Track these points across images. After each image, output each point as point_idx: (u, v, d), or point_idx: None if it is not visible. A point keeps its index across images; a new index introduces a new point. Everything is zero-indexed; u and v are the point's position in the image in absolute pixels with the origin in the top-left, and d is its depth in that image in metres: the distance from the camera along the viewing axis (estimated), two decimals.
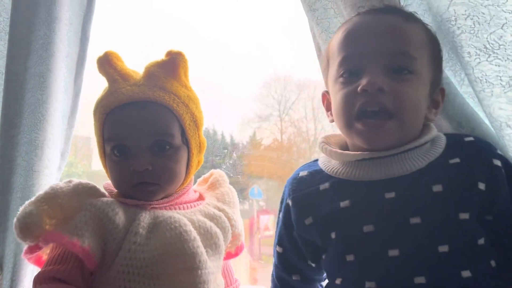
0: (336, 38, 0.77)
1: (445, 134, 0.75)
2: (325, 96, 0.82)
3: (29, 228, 0.70)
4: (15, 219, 0.71)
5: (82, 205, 0.73)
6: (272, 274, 0.85)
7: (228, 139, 1.95)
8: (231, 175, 1.37)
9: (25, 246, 0.75)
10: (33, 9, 1.03)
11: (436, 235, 0.65)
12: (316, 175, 0.76)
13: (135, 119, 0.74)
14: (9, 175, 0.98)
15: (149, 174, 0.75)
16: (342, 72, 0.73)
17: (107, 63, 0.78)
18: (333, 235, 0.71)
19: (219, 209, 0.83)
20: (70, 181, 0.77)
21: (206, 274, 0.73)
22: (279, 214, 0.83)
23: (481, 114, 0.81)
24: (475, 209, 0.67)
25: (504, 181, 0.68)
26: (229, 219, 0.82)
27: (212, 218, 0.80)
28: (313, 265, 0.79)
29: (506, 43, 0.69)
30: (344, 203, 0.70)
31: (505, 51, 0.69)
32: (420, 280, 0.63)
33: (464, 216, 0.66)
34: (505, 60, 0.69)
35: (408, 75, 0.69)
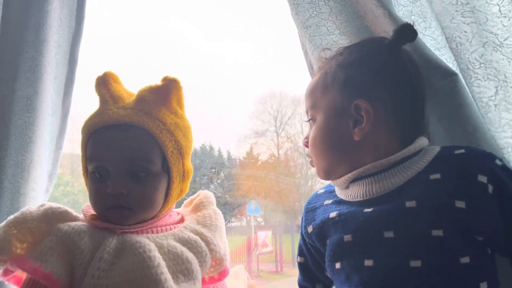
0: None
1: (442, 147, 0.73)
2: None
3: None
4: None
5: (51, 230, 0.72)
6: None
7: (225, 155, 1.95)
8: (219, 194, 1.36)
9: None
10: (21, 32, 1.05)
11: (408, 249, 0.65)
12: (329, 193, 0.82)
13: (115, 142, 0.73)
14: None
15: (123, 199, 0.73)
16: None
17: (102, 84, 0.78)
18: (327, 242, 0.75)
19: (196, 233, 0.80)
20: (42, 205, 0.76)
21: None
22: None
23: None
24: (450, 227, 0.65)
25: (488, 199, 0.65)
26: (207, 243, 0.80)
27: (185, 242, 0.77)
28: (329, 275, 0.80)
29: (486, 61, 0.68)
30: (332, 214, 0.75)
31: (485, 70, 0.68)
32: None
33: (438, 233, 0.64)
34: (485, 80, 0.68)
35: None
